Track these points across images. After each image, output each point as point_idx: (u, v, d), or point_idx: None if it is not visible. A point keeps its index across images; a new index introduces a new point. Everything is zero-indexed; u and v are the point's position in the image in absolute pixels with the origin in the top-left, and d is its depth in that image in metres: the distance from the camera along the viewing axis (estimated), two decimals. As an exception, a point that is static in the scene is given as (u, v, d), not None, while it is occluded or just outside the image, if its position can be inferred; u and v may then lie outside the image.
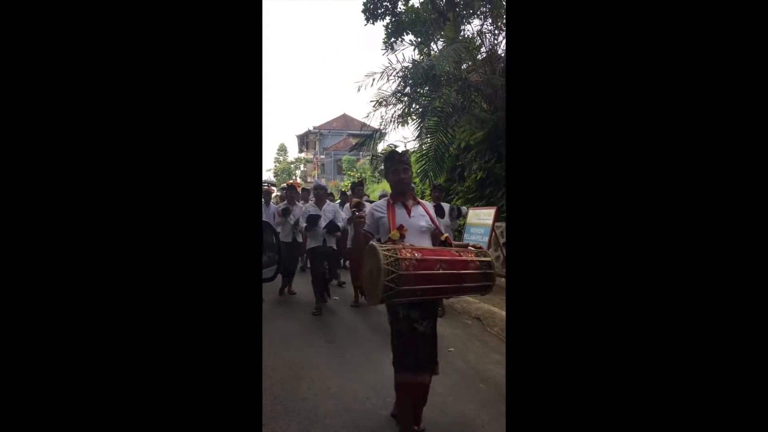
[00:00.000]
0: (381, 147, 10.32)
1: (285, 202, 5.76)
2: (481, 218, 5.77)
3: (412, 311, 1.93)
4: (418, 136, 8.01)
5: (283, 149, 40.29)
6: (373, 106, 8.22)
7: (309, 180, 26.53)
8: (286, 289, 5.51)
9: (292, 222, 5.23)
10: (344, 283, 6.18)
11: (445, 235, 2.08)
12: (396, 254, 1.69)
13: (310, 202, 5.06)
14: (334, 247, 4.88)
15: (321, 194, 4.87)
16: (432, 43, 10.57)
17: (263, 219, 4.36)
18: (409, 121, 8.42)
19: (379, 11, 11.89)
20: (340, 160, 22.92)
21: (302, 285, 5.80)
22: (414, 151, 9.49)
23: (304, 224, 4.72)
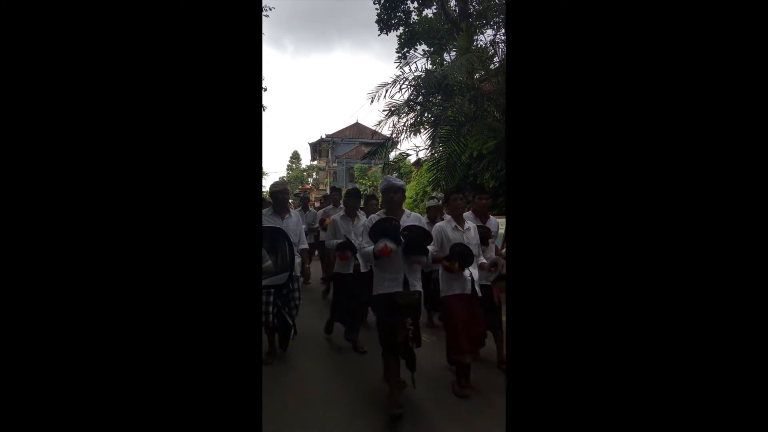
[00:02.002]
0: (393, 155, 10.35)
1: (341, 211, 4.10)
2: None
3: None
4: (430, 145, 8.02)
5: (296, 157, 40.72)
6: (386, 115, 8.26)
7: (321, 188, 26.69)
8: (352, 343, 3.66)
9: (358, 243, 3.18)
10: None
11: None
12: None
13: (379, 211, 2.92)
14: (420, 290, 2.66)
15: (398, 199, 2.70)
16: (445, 53, 10.62)
17: (279, 226, 3.50)
18: (422, 130, 8.43)
19: (393, 21, 12.01)
20: (352, 168, 23.03)
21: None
22: (426, 160, 9.50)
23: (381, 246, 2.49)
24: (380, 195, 3.39)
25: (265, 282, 3.25)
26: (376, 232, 2.56)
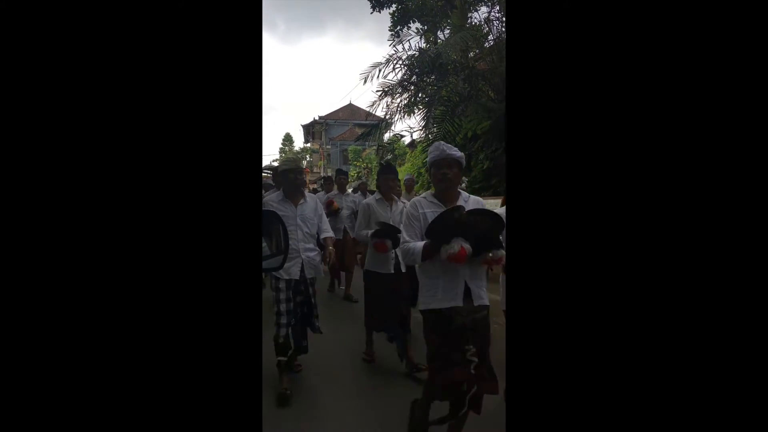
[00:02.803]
0: (387, 137, 10.27)
1: (376, 194, 3.09)
2: (488, 208, 5.72)
3: None
4: (424, 126, 7.96)
5: (288, 139, 40.27)
6: (379, 96, 8.16)
7: (315, 170, 26.53)
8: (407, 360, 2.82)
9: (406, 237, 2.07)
10: None
11: None
12: None
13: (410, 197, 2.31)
14: (488, 304, 1.89)
15: (453, 176, 1.94)
16: (439, 31, 10.43)
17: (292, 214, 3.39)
18: (416, 111, 8.35)
19: (386, -2, 11.73)
20: (346, 150, 22.88)
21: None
22: (420, 141, 9.44)
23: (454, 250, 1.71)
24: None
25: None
26: (438, 229, 1.76)
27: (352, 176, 14.71)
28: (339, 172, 5.63)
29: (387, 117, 8.31)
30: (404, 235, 1.94)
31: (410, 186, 6.05)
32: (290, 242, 2.28)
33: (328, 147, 26.48)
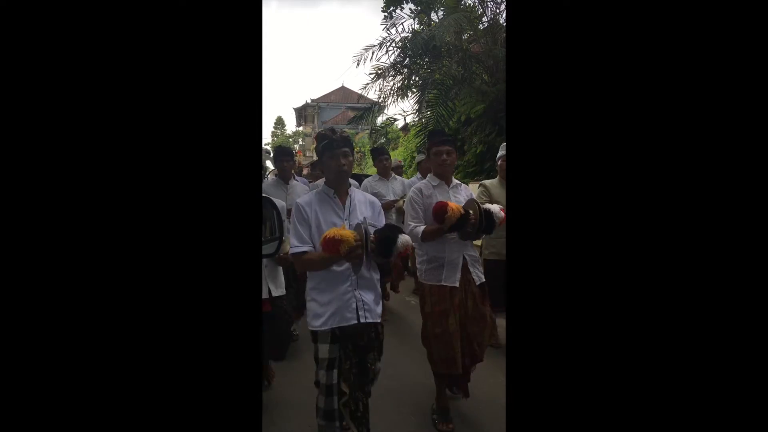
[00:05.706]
0: (380, 120, 10.17)
1: None
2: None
3: None
4: (417, 110, 7.88)
5: (280, 122, 39.69)
6: (372, 79, 8.05)
7: (308, 154, 26.24)
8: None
9: None
10: None
11: None
12: None
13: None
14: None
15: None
16: (432, 13, 10.24)
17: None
18: (409, 94, 8.26)
19: (378, -22, 11.43)
20: (339, 133, 22.52)
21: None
22: (413, 125, 9.37)
23: None
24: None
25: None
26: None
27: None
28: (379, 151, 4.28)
29: (380, 100, 8.22)
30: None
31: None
32: None
33: (320, 130, 26.13)
